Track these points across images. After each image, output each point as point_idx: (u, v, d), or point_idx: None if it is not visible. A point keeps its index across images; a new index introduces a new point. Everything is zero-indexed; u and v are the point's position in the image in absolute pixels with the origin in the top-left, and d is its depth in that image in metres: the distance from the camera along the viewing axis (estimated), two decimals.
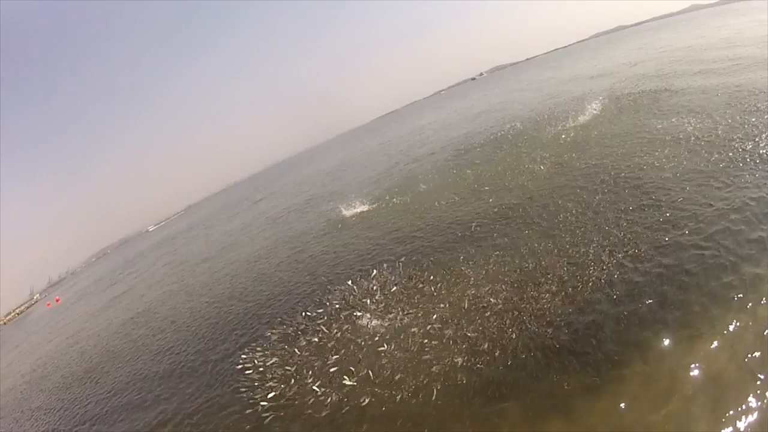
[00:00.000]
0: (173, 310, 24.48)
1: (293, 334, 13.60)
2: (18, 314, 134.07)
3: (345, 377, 10.34)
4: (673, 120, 19.48)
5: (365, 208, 25.45)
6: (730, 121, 17.03)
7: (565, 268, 11.08)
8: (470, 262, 13.32)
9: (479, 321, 10.41)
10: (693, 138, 16.46)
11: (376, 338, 11.32)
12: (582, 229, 12.71)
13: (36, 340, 44.92)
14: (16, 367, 34.38)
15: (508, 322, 9.99)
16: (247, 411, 10.94)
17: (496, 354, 9.25)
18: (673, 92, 24.08)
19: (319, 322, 13.41)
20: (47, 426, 17.48)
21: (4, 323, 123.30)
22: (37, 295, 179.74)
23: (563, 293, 10.22)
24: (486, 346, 9.52)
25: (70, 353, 28.26)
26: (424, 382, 9.29)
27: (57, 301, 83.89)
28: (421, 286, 13.14)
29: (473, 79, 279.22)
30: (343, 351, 11.46)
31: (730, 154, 14.19)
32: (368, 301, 13.33)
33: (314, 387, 10.50)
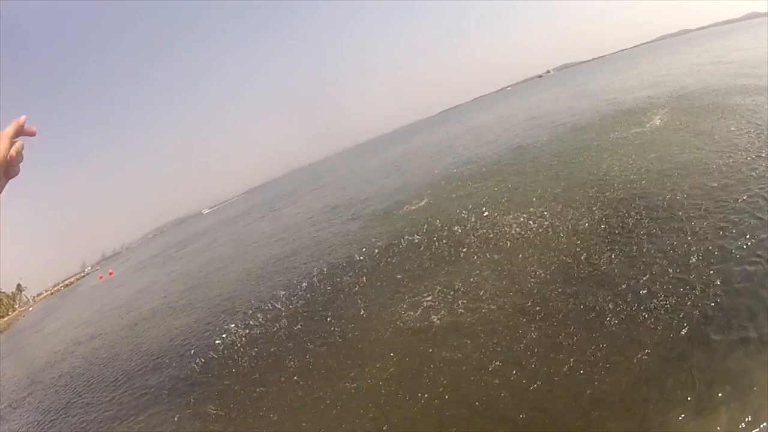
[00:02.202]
0: (230, 286, 23.97)
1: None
2: (65, 286, 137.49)
3: None
4: (731, 130, 17.87)
5: (426, 201, 24.38)
6: None
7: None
8: None
9: None
10: (746, 156, 14.68)
11: None
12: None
13: (83, 311, 46.46)
14: (61, 335, 35.51)
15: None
16: None
17: None
18: (730, 106, 21.98)
19: None
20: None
21: (51, 293, 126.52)
22: (89, 268, 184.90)
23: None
24: None
25: (120, 323, 28.43)
26: None
27: (110, 274, 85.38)
28: None
29: (540, 76, 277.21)
30: None
31: None
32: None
33: None
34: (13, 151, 1.73)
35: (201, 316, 20.52)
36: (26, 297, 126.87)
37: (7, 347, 44.57)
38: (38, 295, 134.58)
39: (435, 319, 10.96)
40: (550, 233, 13.63)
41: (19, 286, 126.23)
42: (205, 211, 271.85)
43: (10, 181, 1.74)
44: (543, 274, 11.25)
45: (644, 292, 9.09)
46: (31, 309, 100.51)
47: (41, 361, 27.03)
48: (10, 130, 1.73)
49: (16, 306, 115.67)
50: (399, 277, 14.68)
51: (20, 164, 1.80)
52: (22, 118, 1.78)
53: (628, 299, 9.04)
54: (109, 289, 55.66)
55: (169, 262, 54.85)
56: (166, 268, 49.93)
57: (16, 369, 28.17)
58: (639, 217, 12.50)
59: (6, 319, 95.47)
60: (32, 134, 1.82)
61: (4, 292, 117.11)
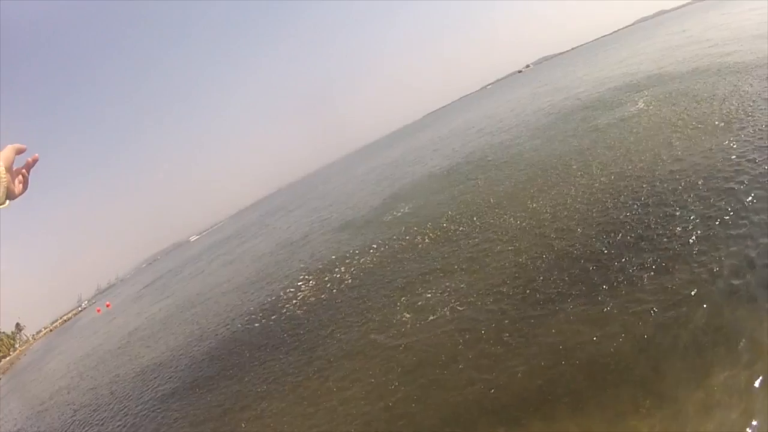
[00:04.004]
0: (229, 308, 23.93)
1: None
2: (63, 322, 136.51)
3: None
4: (707, 111, 17.95)
5: (411, 205, 24.77)
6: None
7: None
8: None
9: None
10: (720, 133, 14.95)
11: None
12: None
13: (83, 344, 46.29)
14: (63, 370, 35.71)
15: None
16: None
17: None
18: (706, 87, 21.84)
19: None
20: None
21: (50, 330, 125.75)
22: (85, 302, 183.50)
23: None
24: None
25: (119, 352, 28.97)
26: None
27: (107, 306, 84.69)
28: None
29: (520, 71, 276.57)
30: None
31: None
32: None
33: None
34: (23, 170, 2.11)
35: (201, 336, 20.90)
36: (26, 335, 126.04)
37: (9, 387, 44.48)
38: (38, 332, 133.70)
39: (431, 317, 11.26)
40: (536, 223, 13.96)
41: (18, 325, 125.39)
42: (193, 238, 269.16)
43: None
44: (542, 261, 11.47)
45: (639, 273, 9.27)
46: (31, 347, 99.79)
47: (45, 396, 27.46)
48: (15, 145, 2.03)
49: (17, 345, 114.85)
50: (390, 279, 15.17)
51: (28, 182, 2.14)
52: (25, 147, 2.05)
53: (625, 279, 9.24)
54: (107, 322, 55.58)
55: (165, 290, 54.91)
56: (162, 295, 50.01)
57: (21, 408, 28.25)
58: (629, 200, 12.63)
59: (8, 358, 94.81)
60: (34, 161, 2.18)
61: (3, 332, 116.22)
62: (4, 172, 1.94)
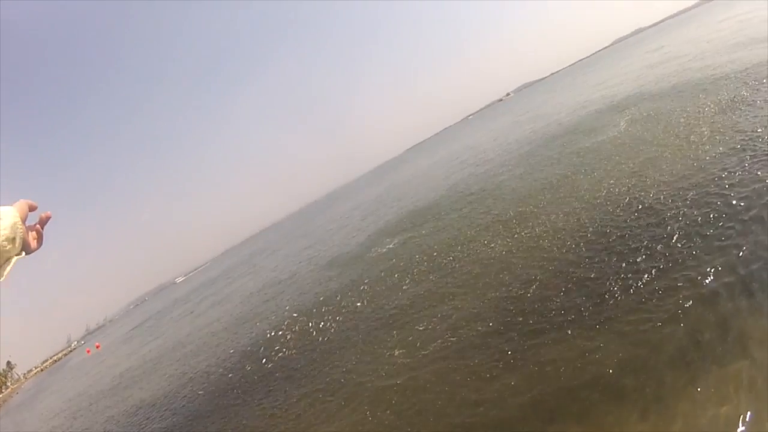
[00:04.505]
0: (219, 348, 23.72)
1: None
2: (54, 362, 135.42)
3: None
4: (689, 128, 18.08)
5: (396, 240, 24.66)
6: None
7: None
8: None
9: None
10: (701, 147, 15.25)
11: None
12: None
13: (74, 385, 46.16)
14: (56, 409, 35.11)
15: None
16: None
17: None
18: (683, 106, 21.99)
19: None
20: None
21: (42, 370, 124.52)
22: (75, 342, 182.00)
23: None
24: None
25: (111, 392, 28.71)
26: None
27: (97, 347, 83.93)
28: None
29: (500, 100, 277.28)
30: None
31: None
32: None
33: None
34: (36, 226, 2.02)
35: (192, 377, 20.71)
36: (17, 374, 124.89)
37: (2, 426, 43.88)
38: (29, 372, 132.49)
39: (423, 351, 11.14)
40: (524, 251, 13.87)
41: (9, 363, 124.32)
42: (179, 280, 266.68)
43: None
44: (531, 288, 11.38)
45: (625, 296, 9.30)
46: (23, 386, 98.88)
47: None
48: (28, 201, 1.96)
49: (8, 383, 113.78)
50: (379, 315, 15.09)
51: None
52: (36, 204, 1.99)
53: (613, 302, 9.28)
54: (98, 362, 55.09)
55: (155, 330, 54.68)
56: (152, 336, 49.72)
57: None
58: (616, 221, 12.64)
59: (0, 396, 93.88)
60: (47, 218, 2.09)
61: None
62: (21, 223, 1.89)
